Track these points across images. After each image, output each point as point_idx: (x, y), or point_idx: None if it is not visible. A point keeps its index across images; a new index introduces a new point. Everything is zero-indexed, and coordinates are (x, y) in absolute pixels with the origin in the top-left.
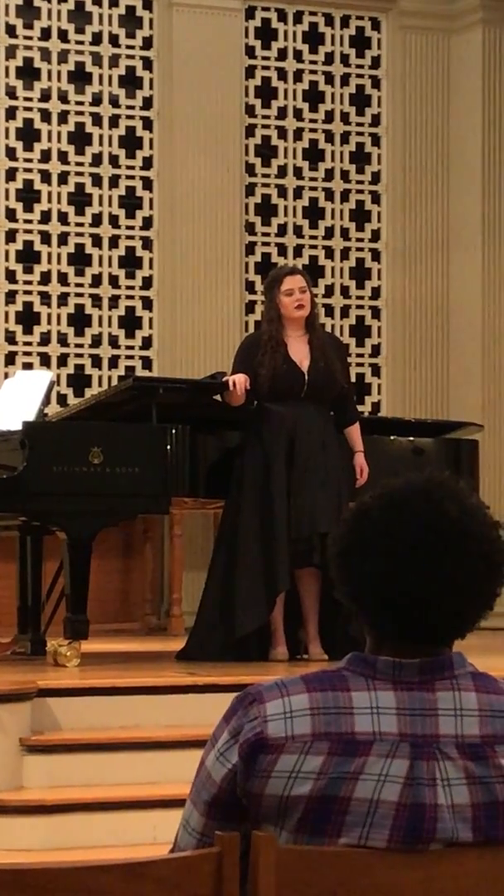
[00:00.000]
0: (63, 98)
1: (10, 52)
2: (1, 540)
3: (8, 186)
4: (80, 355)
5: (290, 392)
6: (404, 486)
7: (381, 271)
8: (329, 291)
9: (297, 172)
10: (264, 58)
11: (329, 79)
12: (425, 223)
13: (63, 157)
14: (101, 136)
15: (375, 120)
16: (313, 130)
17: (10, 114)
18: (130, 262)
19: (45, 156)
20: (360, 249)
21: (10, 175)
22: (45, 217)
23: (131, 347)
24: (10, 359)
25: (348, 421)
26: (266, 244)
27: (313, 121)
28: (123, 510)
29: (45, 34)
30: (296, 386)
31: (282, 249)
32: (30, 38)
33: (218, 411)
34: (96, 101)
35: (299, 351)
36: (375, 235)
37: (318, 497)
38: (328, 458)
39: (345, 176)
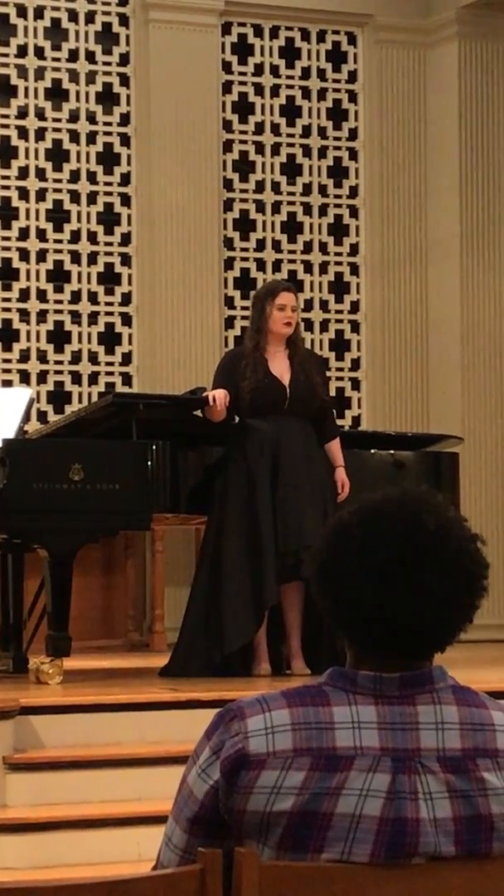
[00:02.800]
0: (40, 115)
1: None
2: None
3: None
4: (59, 372)
5: (272, 406)
6: (382, 501)
7: (359, 285)
8: (308, 306)
9: (275, 187)
10: (241, 73)
11: (306, 93)
12: (403, 236)
13: (41, 173)
14: (78, 153)
15: (352, 134)
16: (290, 145)
17: None
18: (109, 278)
19: (23, 173)
20: (338, 263)
21: None
22: (24, 234)
23: (111, 364)
24: None
25: (329, 436)
26: (245, 259)
27: (290, 135)
28: (104, 527)
29: (22, 51)
30: (277, 400)
31: (260, 264)
32: (6, 55)
33: (199, 427)
34: (73, 117)
35: (280, 365)
36: (354, 249)
37: (304, 510)
38: (313, 471)
39: (322, 190)
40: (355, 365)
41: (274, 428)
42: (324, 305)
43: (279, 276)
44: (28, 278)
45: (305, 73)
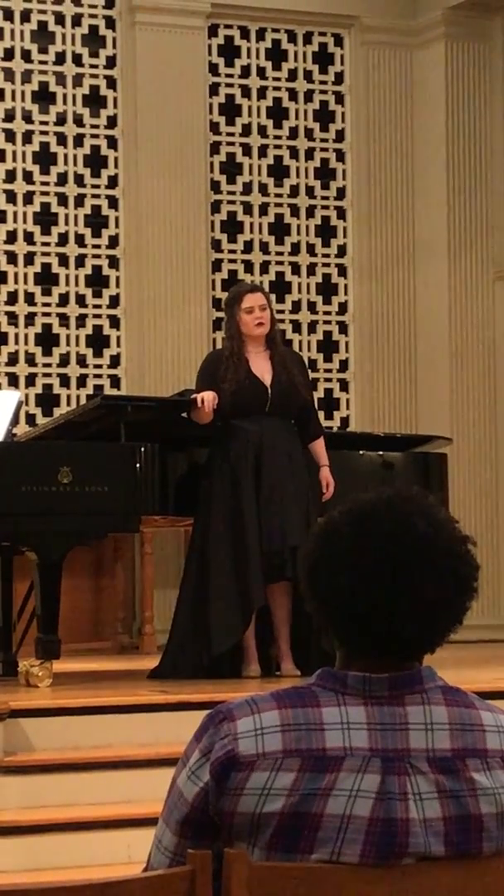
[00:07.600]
0: (27, 118)
1: None
2: None
3: None
4: (48, 375)
5: (254, 406)
6: (373, 501)
7: (347, 286)
8: (296, 307)
9: (263, 189)
10: (228, 75)
11: (293, 95)
12: (391, 238)
13: (28, 176)
14: (65, 156)
15: (339, 135)
16: (278, 147)
17: None
18: (97, 280)
19: (11, 176)
20: (326, 265)
21: None
22: (11, 237)
23: (99, 366)
24: None
25: (313, 436)
26: (232, 261)
27: (277, 137)
28: (93, 529)
29: (9, 54)
30: (259, 400)
31: (248, 266)
32: None
33: (187, 429)
34: (61, 120)
35: (261, 366)
36: (341, 251)
37: (287, 510)
38: (295, 471)
39: (310, 192)
40: (343, 366)
41: (257, 428)
42: (311, 307)
43: (267, 278)
44: (16, 281)
45: (292, 75)
